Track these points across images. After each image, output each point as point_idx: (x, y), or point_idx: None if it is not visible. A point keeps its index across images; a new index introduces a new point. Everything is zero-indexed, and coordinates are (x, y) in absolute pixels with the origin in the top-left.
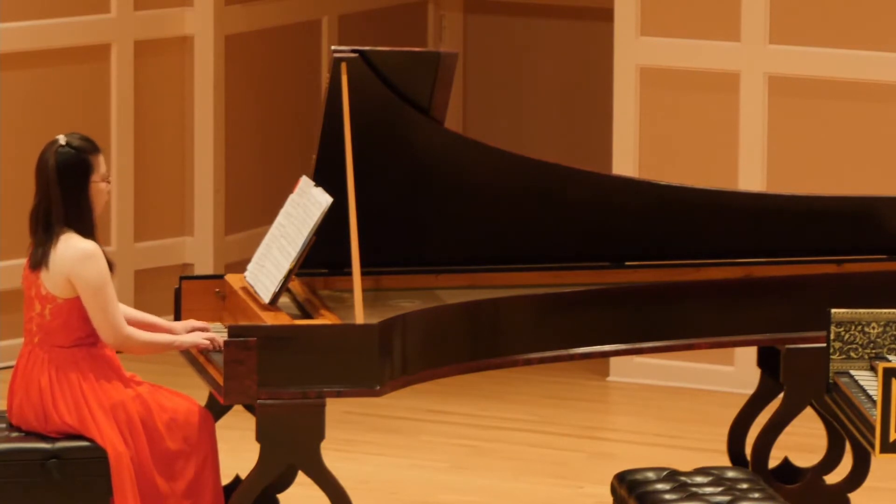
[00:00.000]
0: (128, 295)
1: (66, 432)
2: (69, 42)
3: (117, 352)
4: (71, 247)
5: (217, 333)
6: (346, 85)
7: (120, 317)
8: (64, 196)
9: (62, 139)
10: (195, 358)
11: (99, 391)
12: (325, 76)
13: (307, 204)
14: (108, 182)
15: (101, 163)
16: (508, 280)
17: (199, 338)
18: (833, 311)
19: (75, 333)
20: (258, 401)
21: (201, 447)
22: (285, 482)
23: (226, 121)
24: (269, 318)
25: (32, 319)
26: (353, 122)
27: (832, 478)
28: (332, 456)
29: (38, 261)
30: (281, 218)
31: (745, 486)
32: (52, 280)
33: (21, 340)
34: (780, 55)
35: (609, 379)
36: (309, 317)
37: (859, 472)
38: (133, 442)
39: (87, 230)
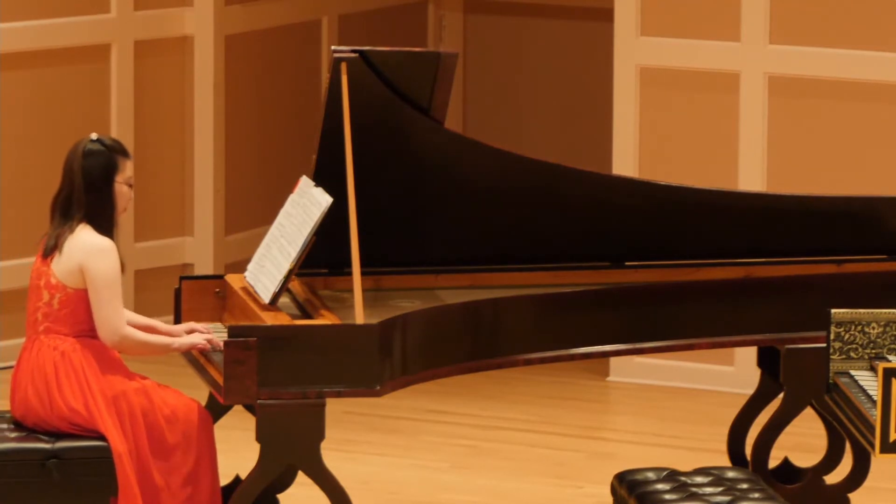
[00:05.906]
0: (128, 295)
1: (70, 419)
2: (69, 42)
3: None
4: (87, 240)
5: (217, 334)
6: (346, 85)
7: (121, 316)
8: (86, 187)
9: (94, 135)
10: (195, 358)
11: (102, 381)
12: (325, 76)
13: (307, 204)
14: (131, 186)
15: (127, 167)
16: (508, 280)
17: (196, 339)
18: (833, 311)
19: (80, 325)
20: (258, 401)
21: (200, 444)
22: (285, 482)
23: (226, 121)
24: (269, 318)
25: (39, 309)
26: (353, 122)
27: (832, 478)
28: (332, 456)
29: (52, 246)
30: (281, 218)
31: (745, 486)
32: (65, 268)
33: (22, 341)
34: (780, 55)
35: (609, 379)
36: (309, 317)
37: (859, 472)
38: (133, 433)
39: (105, 227)
